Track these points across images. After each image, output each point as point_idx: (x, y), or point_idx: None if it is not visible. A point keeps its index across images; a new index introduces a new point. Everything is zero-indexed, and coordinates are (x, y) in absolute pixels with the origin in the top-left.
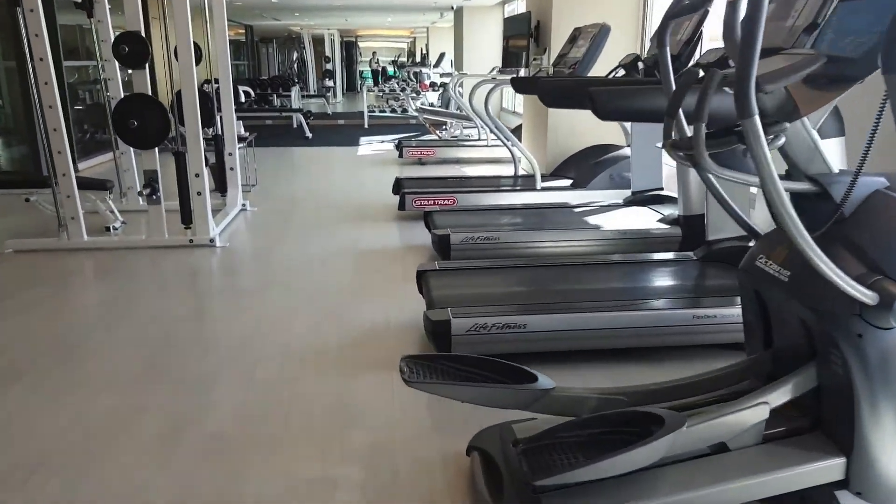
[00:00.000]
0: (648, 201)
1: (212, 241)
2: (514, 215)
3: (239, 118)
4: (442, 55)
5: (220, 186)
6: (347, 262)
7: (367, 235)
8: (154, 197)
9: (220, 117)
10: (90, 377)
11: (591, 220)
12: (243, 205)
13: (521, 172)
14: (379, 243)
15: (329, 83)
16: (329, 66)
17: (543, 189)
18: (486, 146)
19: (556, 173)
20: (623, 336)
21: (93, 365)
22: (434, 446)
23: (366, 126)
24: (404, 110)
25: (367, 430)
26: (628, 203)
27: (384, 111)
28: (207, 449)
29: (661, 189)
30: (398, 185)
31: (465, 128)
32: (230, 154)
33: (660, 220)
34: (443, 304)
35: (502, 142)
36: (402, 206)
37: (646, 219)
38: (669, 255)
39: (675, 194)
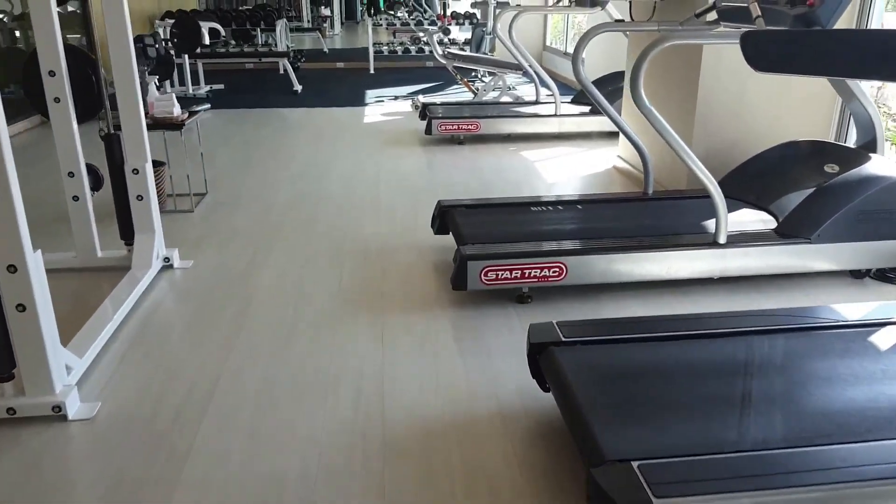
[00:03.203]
0: None
1: (57, 409)
2: (736, 354)
3: (206, 66)
4: None
5: (123, 229)
6: None
7: (405, 376)
8: None
9: (115, 103)
10: None
11: None
12: (166, 259)
13: (650, 187)
14: (447, 410)
15: (326, 12)
16: None
17: (731, 242)
18: (556, 115)
19: (726, 193)
20: None
21: None
22: None
23: (371, 71)
24: (419, 49)
25: None
26: None
27: (395, 50)
28: None
29: None
30: (445, 223)
31: (501, 74)
32: (136, 172)
33: None
34: None
35: (622, 130)
36: (461, 279)
37: None
38: None
39: None
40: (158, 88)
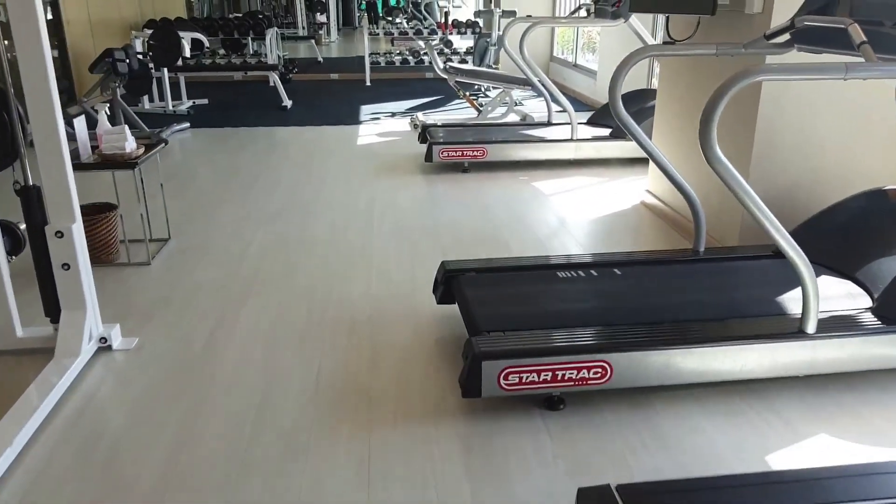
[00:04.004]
0: None
1: None
2: None
3: (190, 79)
4: None
5: (48, 304)
6: None
7: None
8: None
9: (29, 147)
10: None
11: None
12: (103, 339)
13: (702, 243)
14: None
15: (321, 18)
16: None
17: (822, 330)
18: (572, 140)
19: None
20: None
21: None
22: None
23: (367, 83)
24: (419, 60)
25: None
26: None
27: (392, 61)
28: None
29: None
30: (450, 291)
31: (507, 90)
32: (60, 235)
33: None
34: None
35: (668, 173)
36: (474, 384)
37: None
38: None
39: None
40: (129, 110)
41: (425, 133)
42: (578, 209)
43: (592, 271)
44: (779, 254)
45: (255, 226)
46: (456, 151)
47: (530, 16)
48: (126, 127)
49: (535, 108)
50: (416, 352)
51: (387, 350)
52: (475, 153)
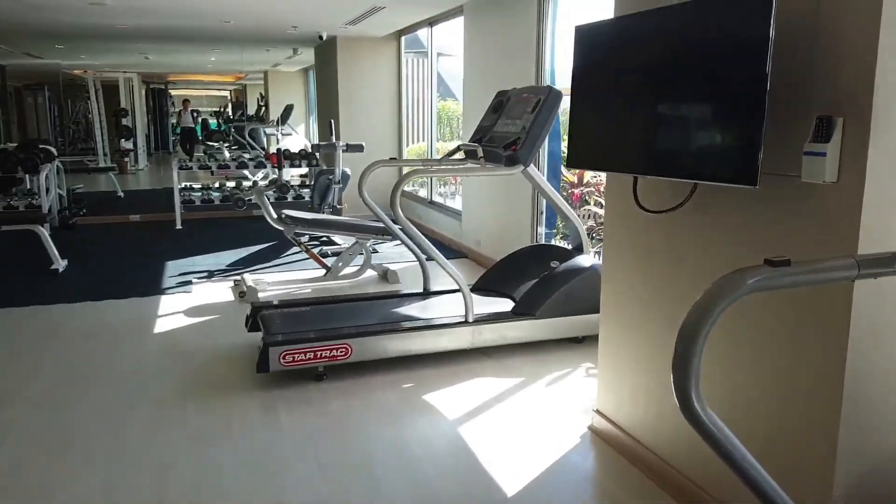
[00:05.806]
0: None
1: None
2: None
3: None
4: (289, 108)
5: None
6: None
7: None
8: None
9: None
10: None
11: None
12: None
13: None
14: None
15: (127, 145)
16: (126, 122)
17: None
18: (466, 323)
19: None
20: None
21: None
22: None
23: (178, 226)
24: (241, 200)
25: None
26: None
27: (210, 199)
28: None
29: None
30: None
31: (362, 241)
32: None
33: None
34: None
35: None
36: None
37: None
38: None
39: None
40: None
41: (256, 319)
42: (502, 451)
43: None
44: None
45: None
46: (305, 353)
47: (394, 158)
48: None
49: (390, 253)
50: None
51: None
52: (335, 353)
